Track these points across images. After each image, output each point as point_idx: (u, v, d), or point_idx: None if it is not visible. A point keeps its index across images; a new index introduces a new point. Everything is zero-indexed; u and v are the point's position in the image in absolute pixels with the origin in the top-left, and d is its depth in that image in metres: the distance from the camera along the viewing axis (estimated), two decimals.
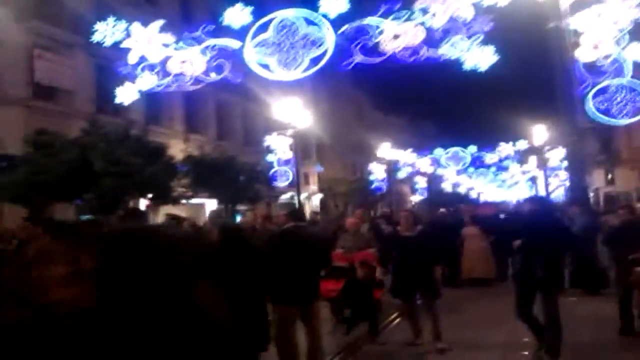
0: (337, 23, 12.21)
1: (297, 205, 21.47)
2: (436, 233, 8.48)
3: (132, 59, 13.56)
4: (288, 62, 12.56)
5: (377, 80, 66.28)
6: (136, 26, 13.59)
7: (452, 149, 43.18)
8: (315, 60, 12.45)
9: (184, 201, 20.60)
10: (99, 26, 13.71)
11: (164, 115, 26.77)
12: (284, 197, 33.34)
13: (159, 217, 17.75)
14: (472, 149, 42.48)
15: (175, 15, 26.77)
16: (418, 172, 48.63)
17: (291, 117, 23.38)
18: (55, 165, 13.99)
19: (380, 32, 11.72)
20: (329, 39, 12.25)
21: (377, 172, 43.73)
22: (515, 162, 47.12)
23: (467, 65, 11.26)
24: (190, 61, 13.33)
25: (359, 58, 11.88)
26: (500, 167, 48.67)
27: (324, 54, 12.32)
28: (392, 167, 43.82)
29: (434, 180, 52.84)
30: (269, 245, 6.50)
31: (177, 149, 23.43)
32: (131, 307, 1.58)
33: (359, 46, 11.86)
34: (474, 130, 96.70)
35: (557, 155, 36.93)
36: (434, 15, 11.33)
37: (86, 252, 1.92)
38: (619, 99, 11.29)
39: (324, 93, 42.74)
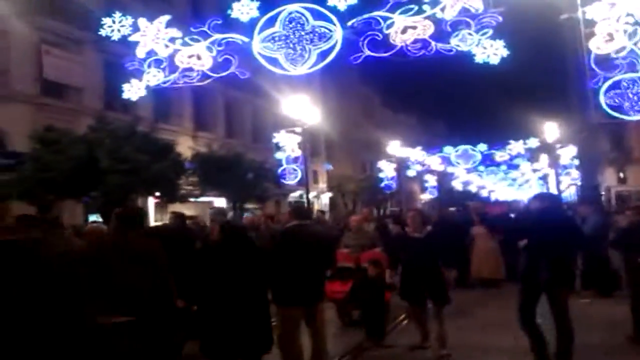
0: (345, 17, 12.05)
1: (305, 204, 21.35)
2: (445, 233, 8.17)
3: (139, 53, 13.47)
4: (295, 57, 12.42)
5: (386, 78, 66.09)
6: (143, 21, 13.49)
7: (462, 147, 42.91)
8: (323, 55, 12.29)
9: (192, 199, 20.56)
10: (106, 20, 13.62)
11: (172, 112, 26.76)
12: (293, 196, 33.27)
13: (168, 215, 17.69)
14: (482, 147, 42.20)
15: (186, 11, 26.78)
16: (428, 170, 48.41)
17: (300, 114, 23.26)
18: (61, 162, 13.95)
19: (389, 26, 11.55)
20: (338, 33, 12.09)
21: (386, 170, 43.55)
22: (525, 160, 46.74)
23: (478, 59, 11.06)
24: (197, 56, 13.22)
25: (367, 52, 11.70)
26: (511, 165, 48.32)
27: (332, 48, 12.16)
28: (402, 165, 43.64)
29: (443, 179, 52.60)
30: (272, 244, 6.38)
31: (186, 147, 23.35)
32: None
33: (367, 40, 11.69)
34: (484, 128, 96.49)
35: (568, 153, 36.57)
36: (443, 8, 11.15)
37: None
38: (630, 95, 11.08)
39: (333, 90, 42.67)
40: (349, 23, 12.01)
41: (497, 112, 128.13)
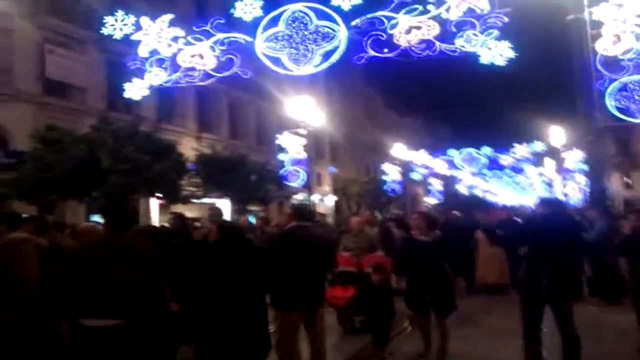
0: (349, 16, 11.94)
1: (310, 205, 21.22)
2: (451, 238, 7.84)
3: (142, 52, 13.40)
4: (299, 57, 12.32)
5: (390, 80, 66.13)
6: (145, 19, 13.43)
7: (466, 150, 42.74)
8: (326, 55, 12.19)
9: (195, 200, 20.45)
10: (108, 19, 13.56)
11: (176, 113, 26.67)
12: (296, 198, 33.16)
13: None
14: (487, 150, 42.03)
15: (190, 11, 26.72)
16: (433, 174, 48.24)
17: (304, 116, 23.16)
18: (62, 161, 13.85)
19: (393, 26, 11.43)
20: (341, 33, 11.98)
21: (391, 173, 43.40)
22: (531, 165, 46.54)
23: (483, 60, 10.93)
24: (199, 55, 13.15)
25: (371, 52, 11.59)
26: (515, 169, 48.11)
27: (335, 48, 12.05)
28: (407, 168, 43.51)
29: (448, 182, 52.41)
30: (271, 246, 6.23)
31: (189, 148, 23.25)
32: None
33: (371, 39, 11.58)
34: (489, 131, 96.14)
35: (573, 158, 36.40)
36: (448, 8, 11.03)
37: None
38: (637, 97, 10.95)
39: (337, 92, 42.58)
40: (353, 23, 11.90)
41: (501, 115, 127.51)
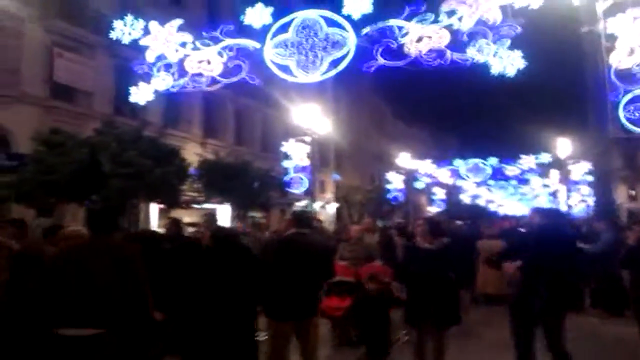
0: (359, 25, 11.84)
1: (312, 213, 21.06)
2: (454, 248, 7.57)
3: (149, 57, 13.33)
4: (307, 64, 12.22)
5: (399, 90, 66.11)
6: (154, 24, 13.36)
7: (472, 161, 42.58)
8: (335, 63, 12.09)
9: (196, 206, 20.33)
10: (117, 24, 13.50)
11: (182, 118, 26.61)
12: (298, 205, 32.99)
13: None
14: (493, 160, 41.86)
15: (201, 16, 26.71)
16: (436, 183, 48.07)
17: (311, 124, 23.07)
18: (64, 164, 13.73)
19: (404, 35, 11.32)
20: (351, 41, 11.89)
21: (394, 182, 43.26)
22: (536, 176, 46.31)
23: (494, 71, 10.80)
24: (207, 61, 13.07)
25: (381, 60, 11.48)
26: (521, 180, 47.88)
27: (345, 55, 11.95)
28: (411, 177, 43.38)
29: (452, 192, 52.24)
30: (265, 253, 6.10)
31: (193, 153, 23.16)
32: None
33: (381, 49, 11.47)
34: (496, 142, 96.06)
35: (580, 170, 36.21)
36: (460, 17, 10.92)
37: None
38: None
39: (345, 100, 42.53)
40: (364, 31, 11.80)
41: (510, 126, 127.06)
